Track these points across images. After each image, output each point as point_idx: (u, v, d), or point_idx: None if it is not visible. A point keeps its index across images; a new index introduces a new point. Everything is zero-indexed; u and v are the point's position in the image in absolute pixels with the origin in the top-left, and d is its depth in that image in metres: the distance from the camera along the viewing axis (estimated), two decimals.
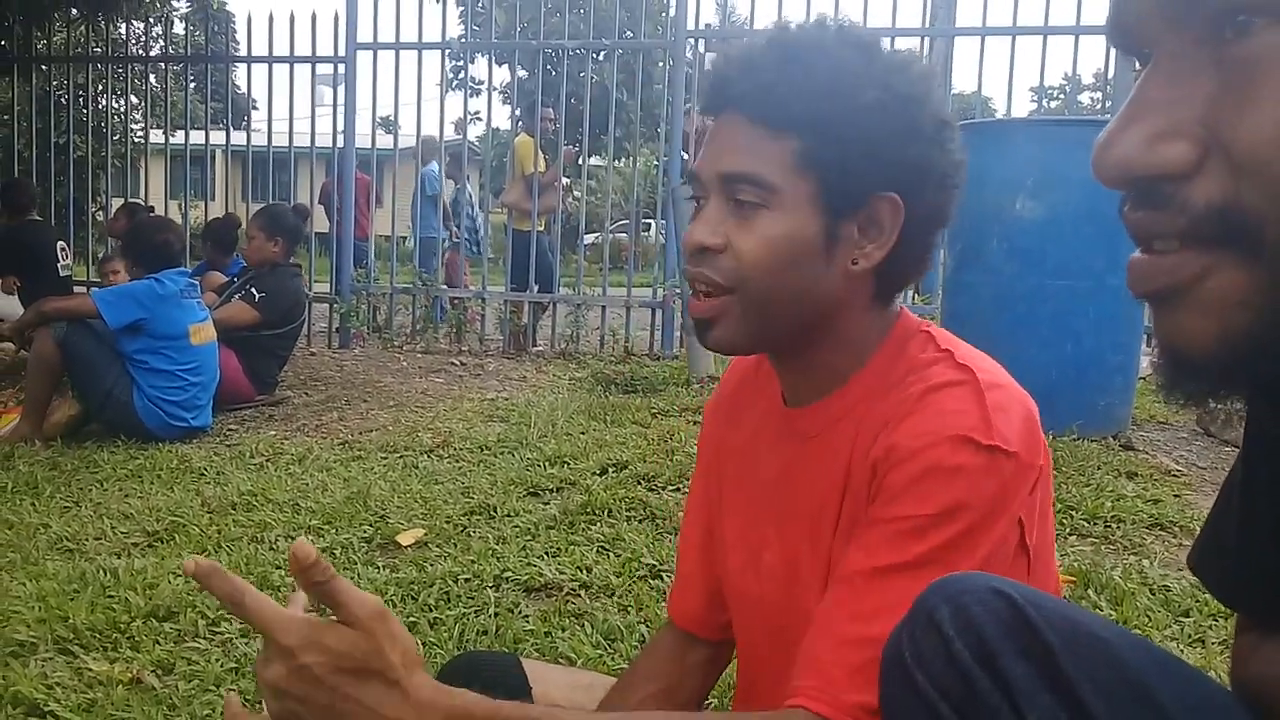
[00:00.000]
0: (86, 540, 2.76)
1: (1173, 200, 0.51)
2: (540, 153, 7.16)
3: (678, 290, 6.16)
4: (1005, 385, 0.91)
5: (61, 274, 6.41)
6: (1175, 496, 3.21)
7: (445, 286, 7.30)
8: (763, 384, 1.11)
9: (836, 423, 0.99)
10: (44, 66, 7.69)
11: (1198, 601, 2.27)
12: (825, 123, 0.91)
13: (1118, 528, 2.84)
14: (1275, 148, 0.47)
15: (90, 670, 1.96)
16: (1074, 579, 2.38)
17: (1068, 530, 2.81)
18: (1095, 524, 2.85)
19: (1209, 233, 0.50)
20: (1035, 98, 7.30)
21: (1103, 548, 2.70)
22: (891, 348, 0.99)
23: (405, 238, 10.22)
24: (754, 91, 0.93)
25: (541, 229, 7.16)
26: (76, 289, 6.54)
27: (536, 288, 6.94)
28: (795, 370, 1.03)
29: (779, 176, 0.92)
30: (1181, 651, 2.02)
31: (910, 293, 6.68)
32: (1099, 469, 3.43)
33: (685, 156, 6.65)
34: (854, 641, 0.85)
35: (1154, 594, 2.33)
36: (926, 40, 6.78)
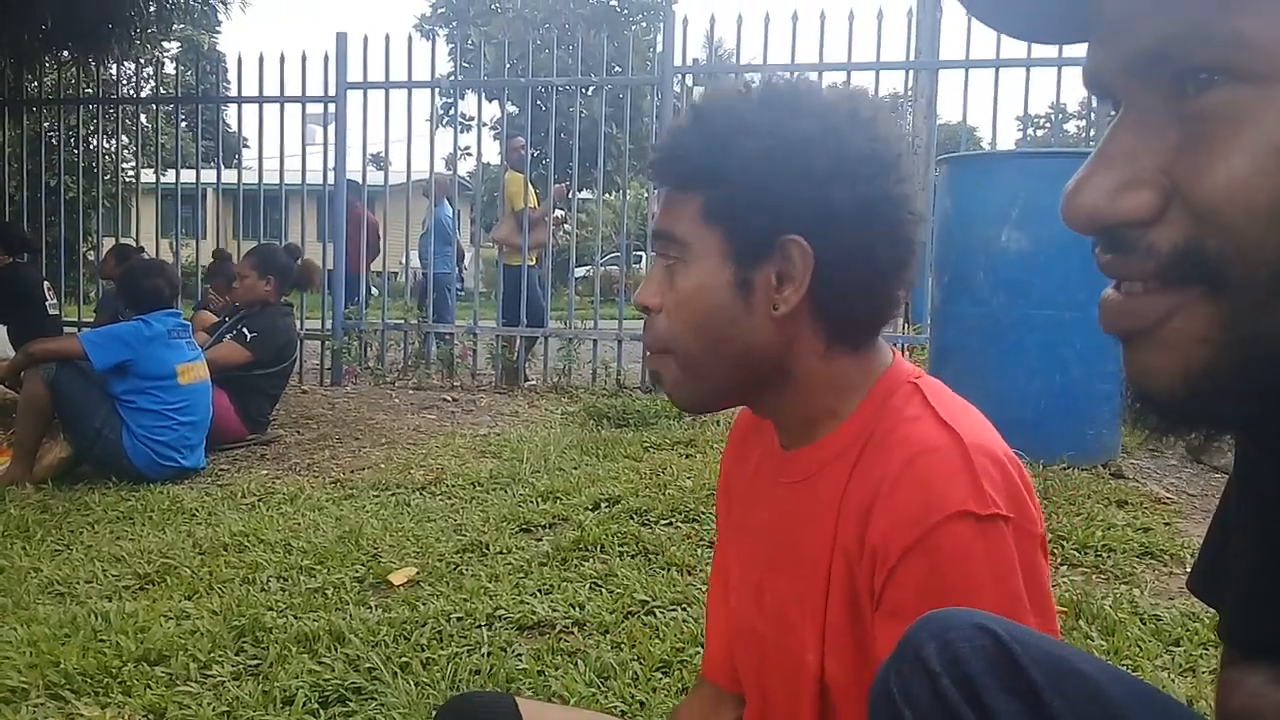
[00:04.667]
0: (78, 583, 2.75)
1: (1139, 245, 0.53)
2: (531, 188, 7.20)
3: None
4: (987, 443, 0.90)
5: (50, 312, 6.43)
6: (1165, 524, 3.22)
7: (436, 322, 7.32)
8: (768, 426, 1.12)
9: (820, 470, 0.99)
10: (35, 108, 7.72)
11: (1188, 631, 2.27)
12: (717, 174, 0.96)
13: (1109, 557, 2.84)
14: (1229, 198, 0.50)
15: (82, 715, 1.95)
16: (1065, 609, 2.38)
17: (1059, 560, 2.82)
18: (1086, 553, 2.86)
19: (1176, 273, 0.53)
20: (1021, 126, 7.36)
21: (1094, 577, 2.71)
22: (876, 398, 0.99)
23: (396, 273, 10.25)
24: (664, 158, 1.01)
25: (533, 264, 7.19)
26: (66, 329, 6.55)
27: (525, 322, 6.96)
28: (773, 417, 1.06)
29: (688, 231, 0.98)
30: (1173, 681, 2.03)
31: (901, 322, 6.71)
32: (1089, 498, 3.44)
33: None
34: None
35: (1145, 623, 2.33)
36: (911, 73, 6.85)
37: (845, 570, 0.94)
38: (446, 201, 8.08)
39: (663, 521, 3.20)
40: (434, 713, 1.30)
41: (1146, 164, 0.53)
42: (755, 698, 1.13)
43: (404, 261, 7.86)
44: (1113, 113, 0.57)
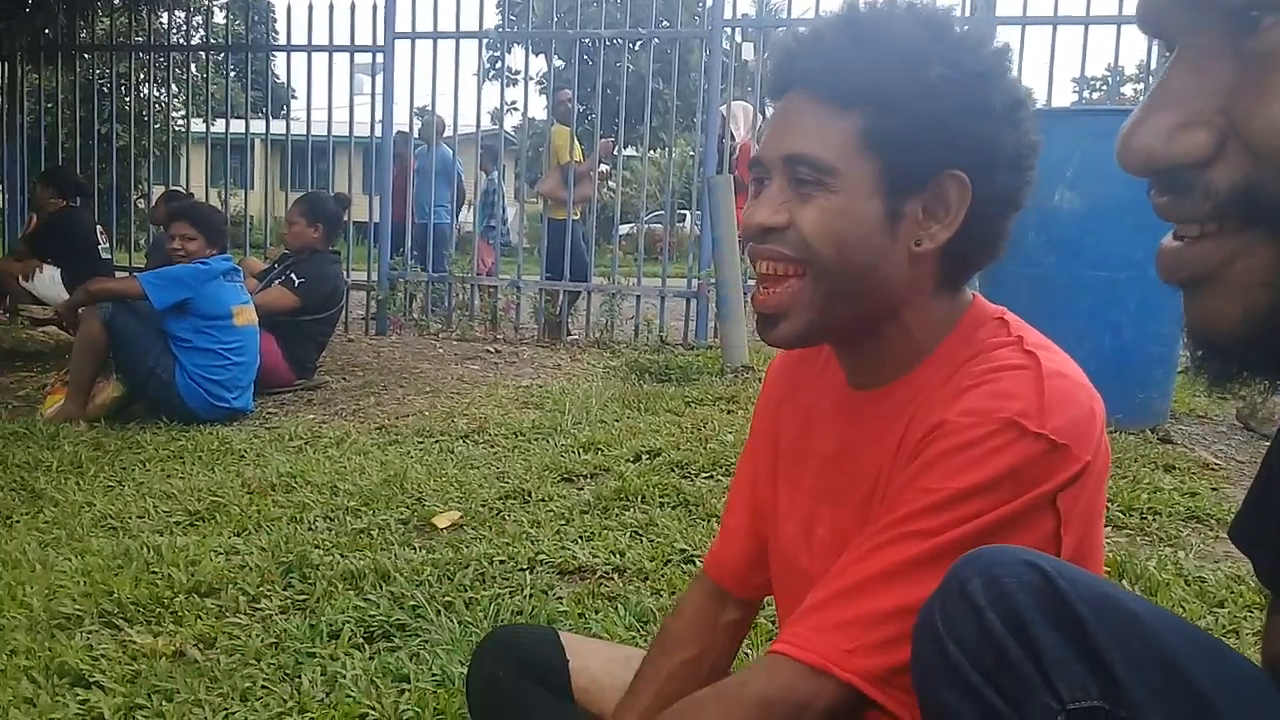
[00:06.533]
0: (130, 518, 2.81)
1: (1196, 186, 0.53)
2: (576, 142, 7.18)
3: (712, 280, 6.16)
4: (1070, 376, 0.89)
5: (103, 256, 6.53)
6: (1213, 490, 3.18)
7: (482, 276, 7.35)
8: (825, 359, 1.11)
9: (900, 407, 0.97)
10: (86, 55, 7.80)
11: (1233, 593, 2.25)
12: (891, 98, 0.91)
13: (1154, 520, 2.82)
14: None
15: (134, 643, 2.00)
16: (1108, 569, 2.37)
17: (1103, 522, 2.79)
18: (1131, 515, 2.84)
19: (1235, 213, 0.52)
20: (1077, 88, 7.22)
21: (1138, 539, 2.69)
22: (961, 334, 0.98)
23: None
24: (821, 68, 0.93)
25: (577, 218, 7.18)
26: (117, 273, 6.64)
27: (569, 277, 6.96)
28: (858, 356, 1.02)
29: (838, 157, 0.92)
30: None
31: None
32: (1136, 461, 3.41)
33: (743, 139, 6.62)
34: (850, 596, 0.86)
35: (1189, 585, 2.31)
36: None
37: (896, 477, 0.94)
38: (445, 144, 7.94)
39: (703, 474, 3.21)
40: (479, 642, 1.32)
41: (1203, 104, 0.53)
42: None
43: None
44: (1168, 54, 0.57)
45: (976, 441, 0.85)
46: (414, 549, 2.54)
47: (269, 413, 4.40)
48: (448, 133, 7.81)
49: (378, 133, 7.14)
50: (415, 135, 7.61)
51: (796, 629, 0.87)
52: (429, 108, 7.45)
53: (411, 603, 2.18)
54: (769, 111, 1.03)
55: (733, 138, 6.65)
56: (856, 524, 0.99)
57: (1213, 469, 3.48)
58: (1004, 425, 0.84)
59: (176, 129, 8.09)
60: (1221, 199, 0.52)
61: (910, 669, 0.78)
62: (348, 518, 2.78)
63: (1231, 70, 0.52)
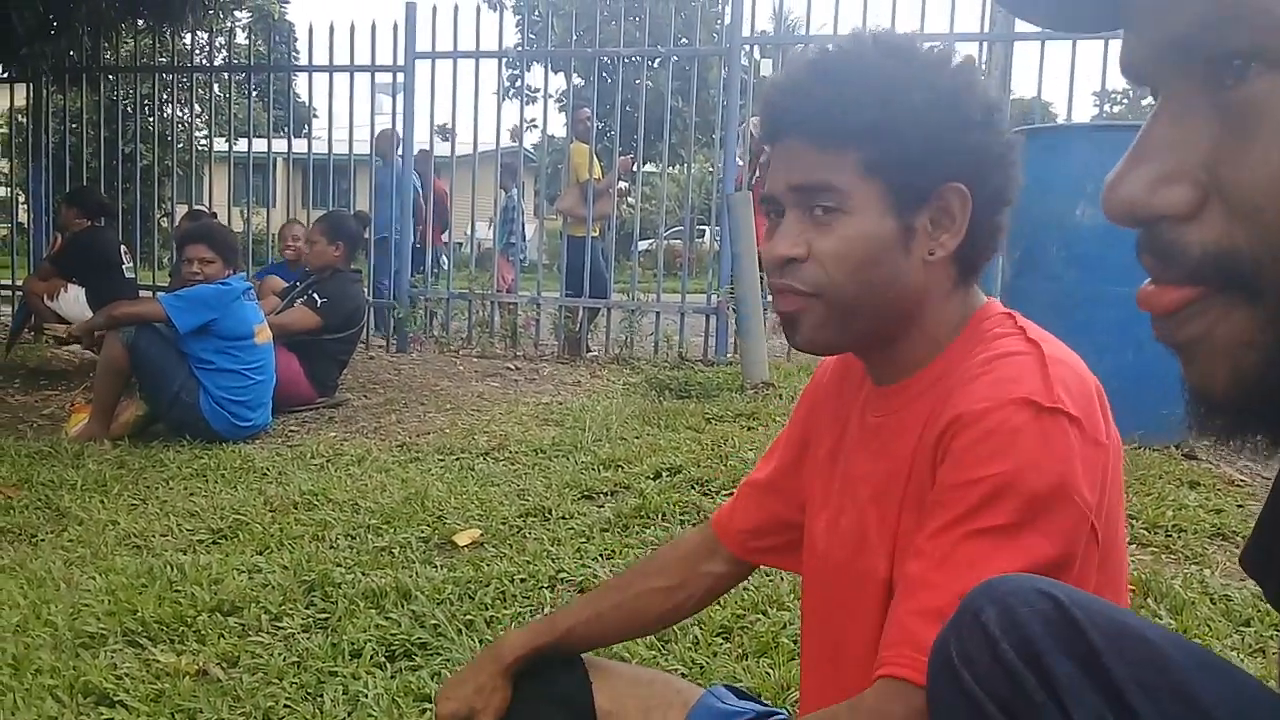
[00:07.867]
0: (153, 536, 2.83)
1: (1173, 245, 0.52)
2: (595, 159, 7.20)
3: (732, 296, 6.16)
4: (1072, 363, 0.94)
5: (127, 275, 6.58)
6: (1238, 506, 3.15)
7: (502, 293, 7.37)
8: (857, 367, 1.15)
9: (915, 400, 1.03)
10: (111, 76, 7.87)
11: (1259, 611, 2.23)
12: (881, 130, 0.96)
13: (1179, 537, 2.79)
14: (1267, 194, 0.47)
15: (158, 661, 2.02)
16: (1133, 588, 2.35)
17: (1127, 539, 2.77)
18: (1156, 533, 2.82)
19: (1208, 277, 0.51)
20: (1097, 102, 7.20)
21: (1163, 557, 2.67)
22: (972, 328, 1.03)
23: (461, 244, 10.33)
24: (810, 116, 0.99)
25: (596, 235, 7.20)
26: (141, 292, 6.70)
27: (589, 294, 6.97)
28: (882, 358, 1.07)
29: (848, 183, 0.98)
30: (1242, 661, 1.99)
31: None
32: (1160, 478, 3.38)
33: (740, 163, 6.64)
34: (932, 611, 0.87)
35: (1215, 603, 2.29)
36: (985, 45, 6.73)
37: (919, 471, 0.98)
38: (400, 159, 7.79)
39: (724, 492, 3.20)
40: None
41: (1185, 157, 0.51)
42: (813, 616, 1.17)
43: (469, 232, 7.88)
44: (1153, 100, 0.55)
45: (998, 426, 0.89)
46: (435, 567, 2.55)
47: (291, 431, 4.42)
48: (467, 151, 7.85)
49: (399, 151, 7.18)
50: (374, 151, 7.50)
51: (905, 651, 0.88)
52: (449, 126, 7.50)
53: (433, 621, 2.18)
54: None
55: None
56: (876, 510, 1.04)
57: (1238, 485, 3.45)
58: (1019, 404, 0.89)
59: (199, 148, 8.18)
60: (1192, 261, 0.51)
61: (927, 701, 0.78)
62: (369, 536, 2.79)
63: (1213, 122, 0.50)
